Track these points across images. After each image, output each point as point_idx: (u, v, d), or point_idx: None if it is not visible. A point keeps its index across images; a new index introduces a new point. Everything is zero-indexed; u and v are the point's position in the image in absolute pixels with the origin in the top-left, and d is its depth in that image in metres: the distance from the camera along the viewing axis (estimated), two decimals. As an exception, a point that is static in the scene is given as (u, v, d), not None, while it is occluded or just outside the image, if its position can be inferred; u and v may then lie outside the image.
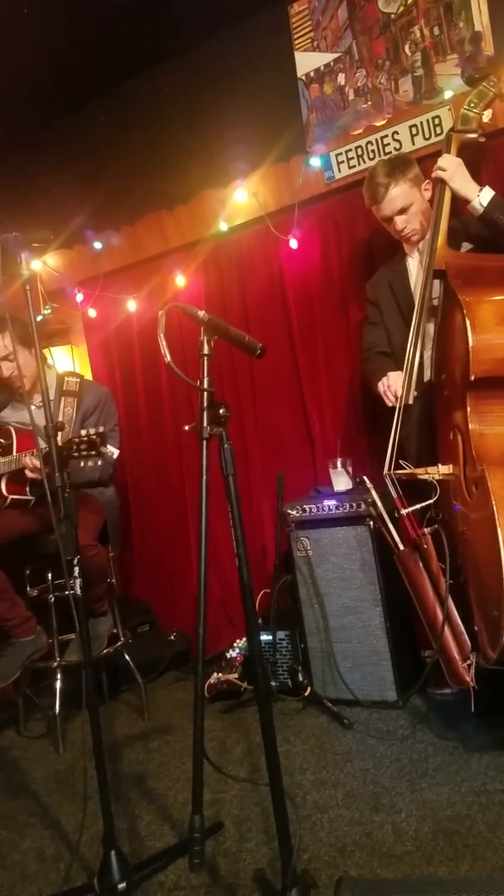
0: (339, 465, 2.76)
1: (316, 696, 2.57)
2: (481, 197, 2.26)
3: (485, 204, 2.25)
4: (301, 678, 2.62)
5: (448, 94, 2.72)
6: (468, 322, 2.03)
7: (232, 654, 2.85)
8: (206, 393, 1.47)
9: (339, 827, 1.78)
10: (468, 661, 2.05)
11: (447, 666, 2.13)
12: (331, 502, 2.64)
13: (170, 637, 3.33)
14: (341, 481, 2.75)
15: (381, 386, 2.47)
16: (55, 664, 2.65)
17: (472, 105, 2.40)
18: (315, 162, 2.96)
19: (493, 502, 1.86)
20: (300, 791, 1.98)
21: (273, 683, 2.67)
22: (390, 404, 2.42)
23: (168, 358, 1.40)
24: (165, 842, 1.83)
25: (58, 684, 2.61)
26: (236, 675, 2.73)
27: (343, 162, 2.92)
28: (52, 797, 2.22)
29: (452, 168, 2.31)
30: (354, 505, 2.57)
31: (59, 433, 1.61)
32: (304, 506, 2.68)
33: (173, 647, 3.27)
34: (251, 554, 3.15)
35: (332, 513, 2.62)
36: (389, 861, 1.61)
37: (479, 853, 1.58)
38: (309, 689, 2.59)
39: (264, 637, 2.75)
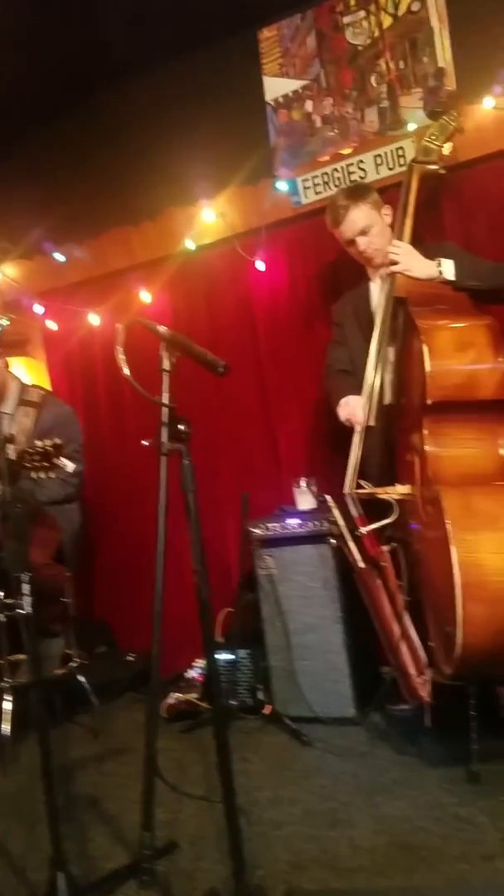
0: (303, 483, 2.79)
1: (276, 714, 2.56)
2: (444, 273, 2.25)
3: (451, 278, 2.25)
4: (261, 696, 2.61)
5: (412, 127, 2.79)
6: (425, 348, 2.08)
7: (192, 673, 2.84)
8: (166, 409, 1.49)
9: (295, 843, 1.78)
10: (424, 677, 2.08)
11: (403, 682, 2.16)
12: (294, 521, 2.66)
13: (128, 658, 3.28)
14: (305, 500, 2.78)
15: (342, 413, 2.50)
16: (5, 685, 2.60)
17: (433, 137, 2.48)
18: (282, 186, 3.01)
19: (447, 522, 1.90)
20: (257, 808, 1.97)
21: (233, 702, 2.66)
22: (355, 427, 2.45)
23: (126, 371, 1.42)
24: (118, 863, 1.80)
25: (8, 705, 2.55)
26: (196, 696, 2.72)
27: (309, 188, 2.98)
28: None
29: (406, 258, 2.30)
30: (317, 523, 2.59)
31: (12, 445, 1.60)
32: (268, 524, 2.69)
33: (132, 668, 3.22)
34: (215, 573, 3.14)
35: (296, 531, 2.64)
36: (344, 875, 1.61)
37: (433, 865, 1.60)
38: (269, 707, 2.58)
39: (226, 656, 2.74)
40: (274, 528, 2.68)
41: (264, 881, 1.61)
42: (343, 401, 2.52)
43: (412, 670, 2.13)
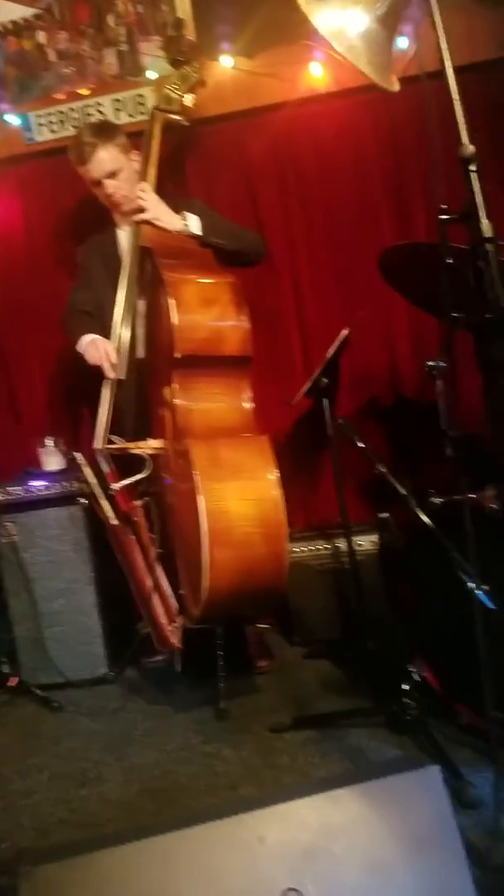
0: (49, 443, 2.65)
1: (23, 685, 2.45)
2: (190, 227, 2.28)
3: (197, 232, 2.28)
4: (6, 670, 2.49)
5: (152, 75, 2.71)
6: (172, 301, 2.07)
7: None
8: None
9: (43, 809, 1.73)
10: (175, 624, 2.12)
11: (155, 632, 2.18)
12: (39, 483, 2.52)
13: None
14: (53, 460, 2.65)
15: (91, 353, 2.32)
16: None
17: (174, 86, 2.45)
18: (12, 119, 2.77)
19: (195, 473, 1.93)
20: (3, 782, 1.88)
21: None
22: (111, 375, 2.31)
23: None
24: None
25: None
26: None
27: (44, 125, 2.77)
28: None
29: (154, 206, 2.30)
30: (66, 484, 2.49)
31: None
32: (8, 488, 2.53)
33: None
34: None
35: (41, 493, 2.51)
36: (92, 829, 1.60)
37: (180, 802, 1.66)
38: (14, 679, 2.46)
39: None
40: (15, 491, 2.52)
41: (7, 852, 1.53)
42: (89, 338, 2.35)
43: (163, 619, 2.16)
